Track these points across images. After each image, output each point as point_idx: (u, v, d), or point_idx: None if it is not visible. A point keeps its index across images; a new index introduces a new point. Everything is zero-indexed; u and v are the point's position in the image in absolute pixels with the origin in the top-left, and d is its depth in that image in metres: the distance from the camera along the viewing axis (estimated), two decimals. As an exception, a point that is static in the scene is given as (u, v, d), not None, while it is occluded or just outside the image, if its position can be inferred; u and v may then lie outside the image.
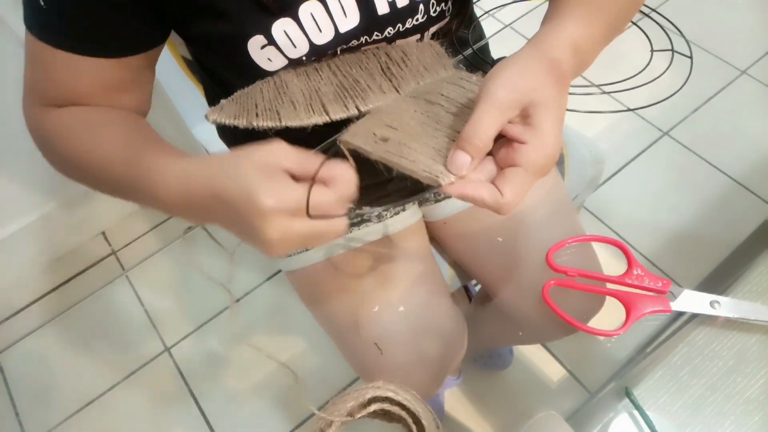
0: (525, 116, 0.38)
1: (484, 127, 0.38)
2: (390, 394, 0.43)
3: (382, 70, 0.51)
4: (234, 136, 0.68)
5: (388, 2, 0.49)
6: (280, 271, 0.76)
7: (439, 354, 0.68)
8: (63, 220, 1.40)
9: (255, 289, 1.35)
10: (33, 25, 0.45)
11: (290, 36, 0.46)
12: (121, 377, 1.27)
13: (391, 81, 0.50)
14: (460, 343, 0.73)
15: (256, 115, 0.48)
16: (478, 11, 0.74)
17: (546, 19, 0.45)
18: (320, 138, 0.47)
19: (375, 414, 0.45)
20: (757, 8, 1.72)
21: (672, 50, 0.62)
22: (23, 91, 0.49)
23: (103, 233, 1.51)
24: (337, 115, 0.48)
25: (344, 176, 0.38)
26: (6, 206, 1.29)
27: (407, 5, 0.49)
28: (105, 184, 0.47)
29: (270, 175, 0.36)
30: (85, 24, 0.44)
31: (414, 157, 0.41)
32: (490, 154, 0.40)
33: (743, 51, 1.62)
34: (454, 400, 1.15)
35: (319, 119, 0.47)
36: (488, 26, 0.73)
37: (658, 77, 0.59)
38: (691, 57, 0.65)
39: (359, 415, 0.43)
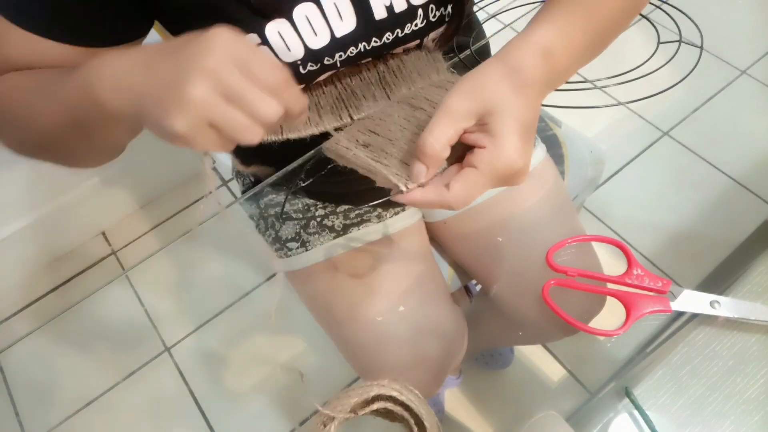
0: (482, 124, 0.38)
1: (435, 135, 0.38)
2: (394, 394, 0.43)
3: (379, 79, 0.52)
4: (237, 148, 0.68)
5: (386, 6, 0.48)
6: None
7: (439, 354, 0.68)
8: (63, 220, 1.40)
9: (255, 289, 1.35)
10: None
11: (284, 38, 0.46)
12: (122, 377, 1.27)
13: (384, 89, 0.51)
14: (460, 343, 0.73)
15: None
16: (482, 15, 0.74)
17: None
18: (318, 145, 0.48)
19: (377, 412, 0.45)
20: (757, 8, 1.72)
21: (680, 40, 0.61)
22: None
23: (103, 233, 1.51)
24: (331, 124, 0.48)
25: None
26: (6, 206, 1.29)
27: (405, 10, 0.49)
28: (45, 125, 0.41)
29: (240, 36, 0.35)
30: (54, 5, 0.41)
31: (388, 162, 0.42)
32: (460, 163, 0.40)
33: (743, 51, 1.62)
34: (454, 399, 1.15)
35: (316, 130, 0.48)
36: (489, 27, 0.72)
37: (660, 67, 0.58)
38: (702, 47, 0.63)
39: (362, 413, 0.43)
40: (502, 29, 0.74)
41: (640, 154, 1.47)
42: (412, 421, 0.43)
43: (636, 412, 0.48)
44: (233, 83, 0.33)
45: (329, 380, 1.17)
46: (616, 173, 1.44)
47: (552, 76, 0.40)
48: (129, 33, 0.46)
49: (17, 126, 0.43)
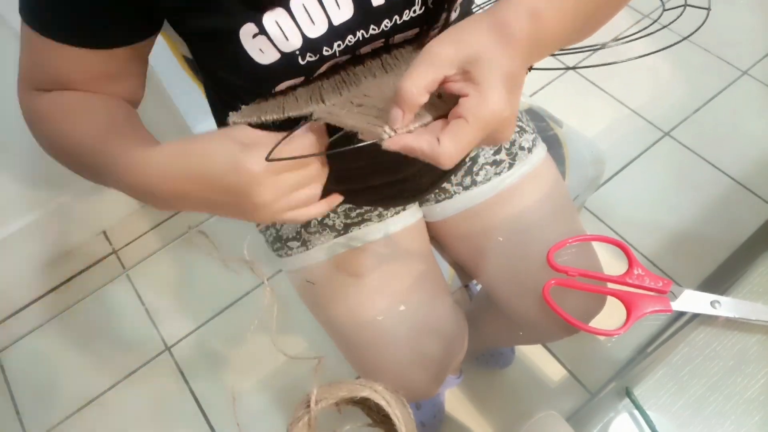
0: (466, 72, 0.37)
1: (413, 79, 0.37)
2: (383, 404, 0.42)
3: (382, 65, 0.52)
4: None
5: None
6: (280, 270, 0.76)
7: (440, 353, 0.68)
8: (64, 219, 1.40)
9: (255, 288, 1.35)
10: (25, 13, 0.46)
11: (282, 27, 0.46)
12: (122, 376, 1.27)
13: (385, 70, 0.51)
14: (460, 342, 0.73)
15: (265, 111, 0.49)
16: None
17: None
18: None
19: (362, 406, 0.46)
20: (757, 8, 1.72)
21: (685, 4, 0.58)
22: (18, 76, 0.51)
23: (104, 232, 1.51)
24: (332, 100, 0.48)
25: (306, 134, 0.43)
26: (7, 205, 1.29)
27: None
28: (81, 168, 0.50)
29: (247, 145, 0.40)
30: (71, 14, 0.45)
31: (375, 114, 0.41)
32: (445, 117, 0.39)
33: (744, 51, 1.62)
34: (455, 399, 1.15)
35: (316, 107, 0.48)
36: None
37: (665, 26, 0.54)
38: (708, 8, 0.60)
39: (345, 407, 0.44)
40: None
41: (641, 154, 1.47)
42: None
43: (636, 412, 0.48)
44: (286, 184, 0.41)
45: (330, 380, 1.17)
46: (617, 173, 1.44)
47: (538, 38, 0.39)
48: (139, 32, 0.49)
49: (54, 148, 0.51)
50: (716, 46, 1.63)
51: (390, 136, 0.38)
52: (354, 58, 0.52)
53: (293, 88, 0.51)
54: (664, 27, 0.53)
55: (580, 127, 0.93)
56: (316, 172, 0.44)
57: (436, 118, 0.40)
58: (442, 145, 0.37)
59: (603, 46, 0.54)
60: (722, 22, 1.67)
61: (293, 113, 0.49)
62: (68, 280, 1.43)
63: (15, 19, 0.47)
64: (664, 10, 0.56)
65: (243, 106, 0.51)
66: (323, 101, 0.49)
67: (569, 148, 0.88)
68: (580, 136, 0.91)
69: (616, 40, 0.54)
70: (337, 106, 0.46)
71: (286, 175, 0.41)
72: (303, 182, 0.43)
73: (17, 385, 1.29)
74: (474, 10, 0.71)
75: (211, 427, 1.19)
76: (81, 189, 1.36)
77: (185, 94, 1.29)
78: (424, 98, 0.38)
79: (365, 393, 0.42)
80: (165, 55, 0.78)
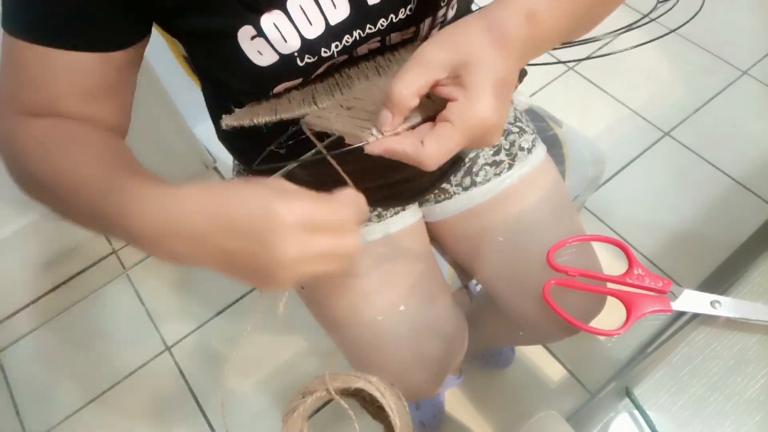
0: (456, 76, 0.37)
1: (404, 82, 0.37)
2: (377, 395, 0.42)
3: (376, 68, 0.52)
4: (233, 138, 0.68)
5: None
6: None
7: (440, 354, 0.68)
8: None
9: (252, 291, 1.35)
10: (8, 23, 0.43)
11: (280, 29, 0.46)
12: (122, 376, 1.27)
13: (378, 72, 0.51)
14: (460, 343, 0.73)
15: (258, 113, 0.49)
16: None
17: None
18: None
19: (358, 398, 0.46)
20: (757, 8, 1.72)
21: None
22: None
23: (104, 232, 1.51)
24: (323, 103, 0.48)
25: (355, 197, 0.38)
26: (7, 205, 1.29)
27: None
28: (72, 210, 0.43)
29: (285, 194, 0.35)
30: (62, 15, 0.43)
31: (364, 117, 0.41)
32: (434, 119, 0.39)
33: (744, 51, 1.62)
34: (455, 399, 1.15)
35: (308, 109, 0.48)
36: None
37: (653, 20, 0.53)
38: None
39: (339, 397, 0.44)
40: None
41: (641, 154, 1.47)
42: (383, 426, 0.43)
43: (636, 412, 0.48)
44: (316, 247, 0.35)
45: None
46: (616, 173, 1.44)
47: (534, 39, 0.38)
48: (131, 34, 0.47)
49: (37, 185, 0.45)
50: (716, 46, 1.63)
51: (377, 139, 0.38)
52: (351, 59, 0.52)
53: (288, 90, 0.51)
54: (653, 20, 0.52)
55: (580, 127, 0.93)
56: (352, 245, 0.37)
57: (424, 119, 0.40)
58: (426, 147, 0.37)
59: (596, 39, 0.53)
60: (722, 22, 1.67)
61: (285, 115, 0.49)
62: (68, 280, 1.44)
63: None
64: (659, 1, 0.55)
65: (236, 109, 0.51)
66: (316, 104, 0.49)
67: (569, 148, 0.88)
68: (580, 136, 0.91)
69: (610, 33, 0.53)
70: (327, 110, 0.46)
71: (320, 239, 0.35)
72: (335, 251, 0.36)
73: (17, 384, 1.29)
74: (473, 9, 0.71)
75: (210, 427, 1.19)
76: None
77: (185, 94, 1.29)
78: (415, 102, 0.38)
79: (359, 384, 0.43)
80: (165, 55, 0.78)
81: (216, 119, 0.66)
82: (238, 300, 1.35)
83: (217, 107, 0.63)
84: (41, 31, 0.43)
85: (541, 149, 0.74)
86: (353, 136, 0.40)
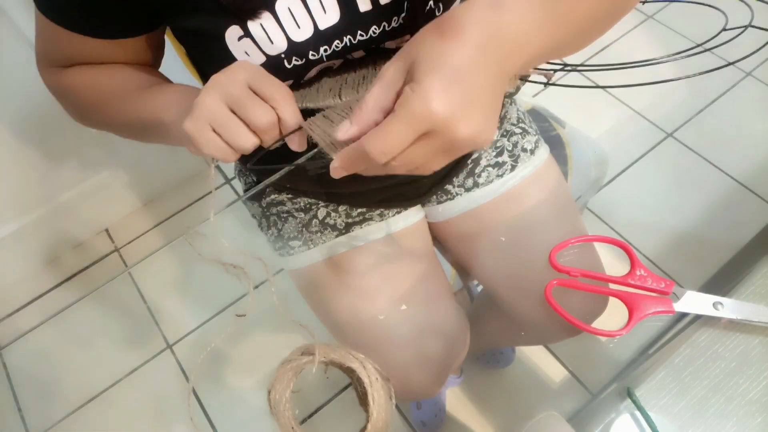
0: (409, 79, 0.35)
1: (366, 98, 0.36)
2: (365, 381, 0.42)
3: (375, 72, 0.52)
4: None
5: None
6: (282, 269, 0.76)
7: (441, 353, 0.68)
8: (67, 217, 1.40)
9: (258, 286, 1.35)
10: (38, 1, 0.48)
11: (267, 30, 0.46)
12: (124, 374, 1.28)
13: (370, 79, 0.52)
14: (462, 342, 0.73)
15: None
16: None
17: None
18: None
19: (351, 376, 0.46)
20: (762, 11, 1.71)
21: (750, 25, 0.56)
22: (36, 56, 0.55)
23: (107, 230, 1.51)
24: (347, 97, 0.48)
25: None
26: (10, 203, 1.29)
27: (391, 1, 0.47)
28: (118, 121, 0.54)
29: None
30: (76, 6, 0.48)
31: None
32: None
33: (748, 52, 1.62)
34: (456, 399, 1.15)
35: (332, 101, 0.48)
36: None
37: (724, 42, 0.52)
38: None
39: (331, 368, 0.44)
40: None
41: (644, 155, 1.46)
42: (364, 410, 0.43)
43: (638, 413, 0.48)
44: (235, 92, 0.40)
45: (330, 379, 1.17)
46: (619, 174, 1.44)
47: (501, 29, 0.35)
48: (141, 26, 0.51)
49: (91, 112, 0.55)
50: (719, 46, 1.62)
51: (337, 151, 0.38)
52: (347, 63, 0.52)
53: (320, 79, 0.51)
54: (707, 50, 0.52)
55: (583, 128, 0.93)
56: (269, 120, 0.41)
57: None
58: (367, 135, 0.35)
59: (646, 62, 0.53)
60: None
61: (309, 104, 0.49)
62: (70, 277, 1.44)
63: (17, 16, 0.48)
64: (725, 29, 0.55)
65: None
66: (339, 95, 0.49)
67: (572, 148, 0.88)
68: (583, 136, 0.91)
69: (648, 62, 0.53)
70: (318, 118, 0.46)
71: (260, 77, 0.42)
72: (266, 93, 0.41)
73: (19, 381, 1.29)
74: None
75: (212, 425, 1.19)
76: (84, 187, 1.37)
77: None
78: (376, 116, 0.36)
79: (354, 365, 0.43)
80: (168, 52, 0.78)
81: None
82: (240, 298, 1.35)
83: None
84: (61, 18, 0.49)
85: (544, 150, 0.74)
86: (326, 147, 0.41)
